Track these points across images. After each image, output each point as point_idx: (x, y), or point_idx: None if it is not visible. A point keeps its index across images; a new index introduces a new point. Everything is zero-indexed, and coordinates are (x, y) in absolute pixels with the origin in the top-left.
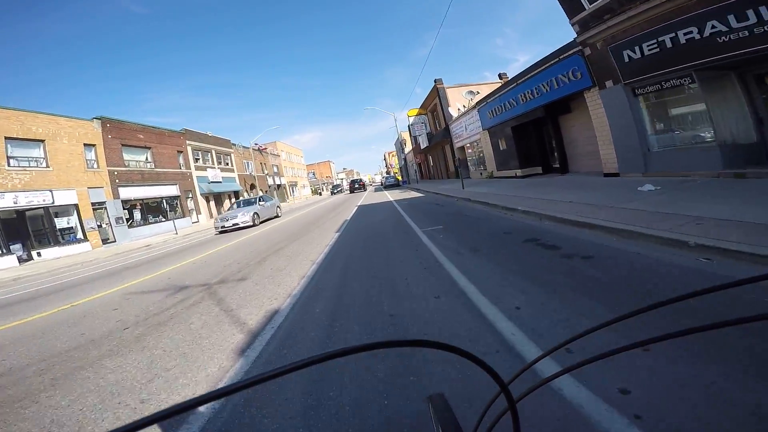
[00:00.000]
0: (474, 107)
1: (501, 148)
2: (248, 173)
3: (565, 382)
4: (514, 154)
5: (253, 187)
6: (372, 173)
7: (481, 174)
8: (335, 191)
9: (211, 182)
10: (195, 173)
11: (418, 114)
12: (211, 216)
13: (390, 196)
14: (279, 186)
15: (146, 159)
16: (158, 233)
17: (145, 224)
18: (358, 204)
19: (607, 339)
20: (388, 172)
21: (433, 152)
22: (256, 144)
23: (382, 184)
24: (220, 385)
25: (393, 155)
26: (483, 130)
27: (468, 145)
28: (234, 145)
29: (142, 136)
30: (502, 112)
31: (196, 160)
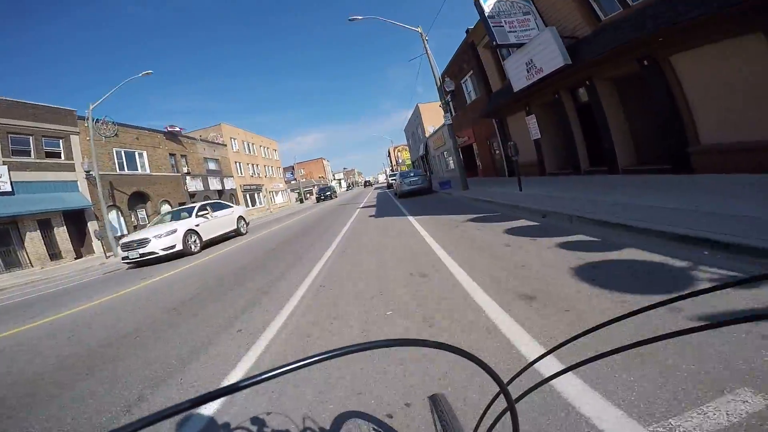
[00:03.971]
0: None
1: None
2: (90, 173)
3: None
4: None
5: (145, 198)
6: (375, 174)
7: None
8: (322, 196)
9: None
10: None
11: None
12: None
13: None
14: (221, 192)
15: None
16: None
17: None
18: None
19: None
20: (393, 170)
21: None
22: (169, 127)
23: (390, 187)
24: None
25: (402, 149)
26: None
27: None
28: (98, 120)
29: None
30: None
31: None
